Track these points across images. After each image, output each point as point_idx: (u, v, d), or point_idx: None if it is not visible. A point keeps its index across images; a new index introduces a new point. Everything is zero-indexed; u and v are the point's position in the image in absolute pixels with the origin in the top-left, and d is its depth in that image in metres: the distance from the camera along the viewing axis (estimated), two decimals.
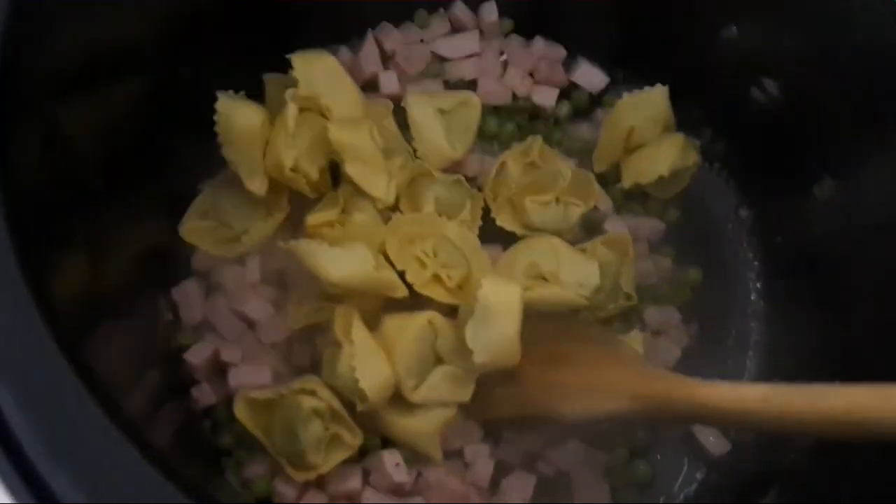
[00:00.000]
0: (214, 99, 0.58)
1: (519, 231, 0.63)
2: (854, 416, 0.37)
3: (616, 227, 0.65)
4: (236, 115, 0.57)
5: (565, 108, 0.69)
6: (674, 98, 0.65)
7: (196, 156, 0.61)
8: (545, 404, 0.52)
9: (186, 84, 0.58)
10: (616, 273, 0.61)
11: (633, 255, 0.62)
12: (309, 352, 0.60)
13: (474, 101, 0.64)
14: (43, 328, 0.39)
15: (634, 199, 0.67)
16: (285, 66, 0.60)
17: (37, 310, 0.39)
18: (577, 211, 0.62)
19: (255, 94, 0.61)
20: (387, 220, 0.59)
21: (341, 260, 0.53)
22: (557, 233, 0.62)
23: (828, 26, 0.55)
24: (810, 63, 0.56)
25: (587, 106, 0.69)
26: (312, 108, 0.59)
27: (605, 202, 0.66)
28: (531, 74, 0.69)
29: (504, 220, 0.63)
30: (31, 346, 0.38)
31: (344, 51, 0.67)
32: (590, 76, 0.69)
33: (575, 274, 0.59)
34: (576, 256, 0.61)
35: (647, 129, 0.65)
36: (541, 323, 0.56)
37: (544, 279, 0.59)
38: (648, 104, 0.65)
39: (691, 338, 0.64)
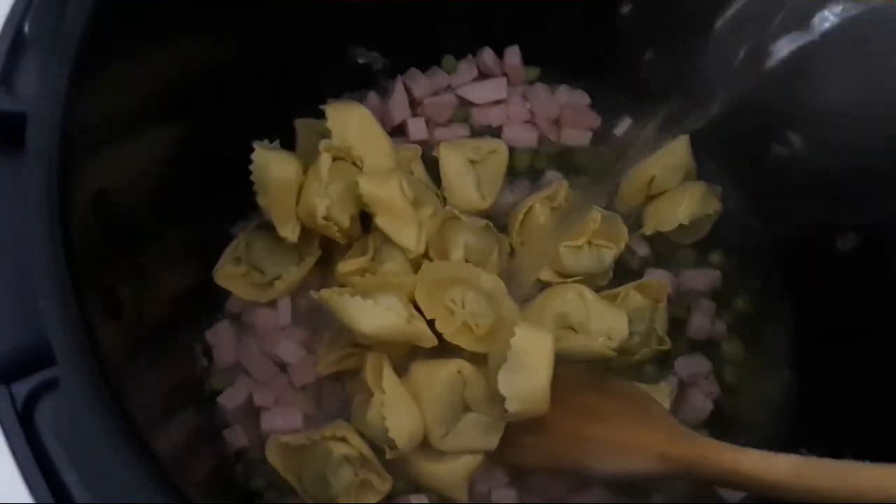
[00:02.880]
0: (248, 145, 0.59)
1: (550, 278, 0.63)
2: (884, 497, 0.37)
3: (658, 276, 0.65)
4: (271, 165, 0.59)
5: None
6: (696, 145, 0.66)
7: (230, 202, 0.62)
8: (573, 457, 0.53)
9: (221, 132, 0.59)
10: (650, 318, 0.61)
11: (667, 300, 0.62)
12: (339, 394, 0.61)
13: (503, 149, 0.66)
14: (89, 376, 0.40)
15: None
16: (316, 109, 0.62)
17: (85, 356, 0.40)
18: (609, 253, 0.62)
19: (287, 135, 0.63)
20: (416, 267, 0.60)
21: (373, 313, 0.53)
22: (592, 277, 0.63)
23: (848, 83, 0.56)
24: (835, 118, 0.57)
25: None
26: (345, 158, 0.60)
27: (642, 248, 0.66)
28: (556, 121, 0.70)
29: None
30: (78, 395, 0.39)
31: (372, 96, 0.69)
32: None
33: (603, 325, 0.60)
34: (604, 307, 0.60)
35: (667, 178, 0.66)
36: (571, 370, 0.57)
37: (573, 329, 0.60)
38: (670, 153, 0.66)
39: (723, 388, 0.64)
